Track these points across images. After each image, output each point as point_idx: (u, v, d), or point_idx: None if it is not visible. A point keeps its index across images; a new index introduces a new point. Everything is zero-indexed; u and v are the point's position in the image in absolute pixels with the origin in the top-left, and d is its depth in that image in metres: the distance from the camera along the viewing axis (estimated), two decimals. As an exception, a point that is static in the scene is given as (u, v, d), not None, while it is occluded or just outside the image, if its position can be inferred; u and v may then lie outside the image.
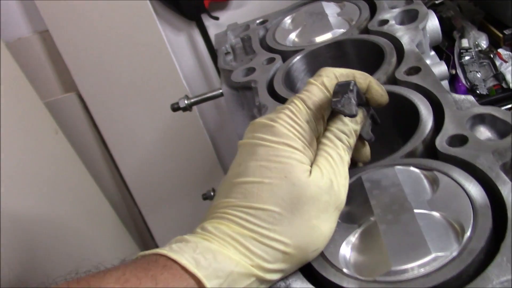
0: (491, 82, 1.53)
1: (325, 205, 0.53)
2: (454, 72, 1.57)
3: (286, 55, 0.90)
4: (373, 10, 0.94)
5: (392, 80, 0.75)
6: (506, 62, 1.53)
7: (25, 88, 1.62)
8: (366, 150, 0.65)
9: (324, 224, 0.54)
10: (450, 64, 1.57)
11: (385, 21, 0.86)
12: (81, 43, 1.78)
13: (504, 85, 1.49)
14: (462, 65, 1.60)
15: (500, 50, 1.55)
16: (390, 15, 0.87)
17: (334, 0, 1.01)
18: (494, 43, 1.57)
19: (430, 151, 0.62)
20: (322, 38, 0.91)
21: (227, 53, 1.00)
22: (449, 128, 0.61)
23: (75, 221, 1.63)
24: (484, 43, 1.60)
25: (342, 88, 0.55)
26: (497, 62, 1.54)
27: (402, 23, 0.87)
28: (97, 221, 1.78)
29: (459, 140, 0.59)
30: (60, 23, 1.74)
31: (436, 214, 0.53)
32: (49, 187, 1.55)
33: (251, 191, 0.53)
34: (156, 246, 2.15)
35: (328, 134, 0.57)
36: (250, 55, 1.01)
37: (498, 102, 1.50)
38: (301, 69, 0.88)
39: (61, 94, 1.89)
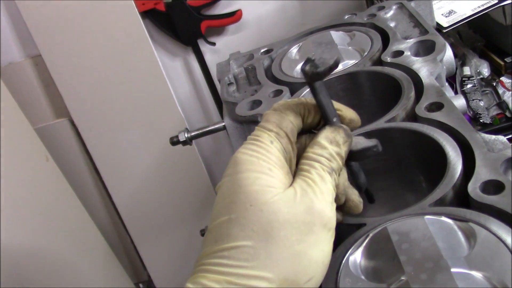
0: (494, 111, 1.50)
1: (307, 226, 0.48)
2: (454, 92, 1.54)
3: (294, 87, 0.85)
4: (385, 40, 0.89)
5: (412, 116, 0.71)
6: (509, 90, 1.51)
7: (15, 114, 1.58)
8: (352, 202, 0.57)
9: (312, 249, 0.48)
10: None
11: (400, 52, 0.81)
12: (74, 68, 1.74)
13: (508, 114, 1.47)
14: (464, 93, 1.57)
15: (502, 78, 1.53)
16: (405, 45, 0.82)
17: (343, 30, 0.96)
18: (496, 71, 1.55)
19: (460, 198, 0.57)
20: (333, 69, 0.86)
21: (229, 84, 0.95)
22: (482, 173, 0.56)
23: (65, 251, 1.59)
24: (485, 71, 1.58)
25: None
26: (500, 90, 1.52)
27: (417, 54, 0.82)
28: (87, 250, 1.73)
29: (494, 186, 0.54)
30: (53, 48, 1.71)
31: (476, 274, 0.47)
32: (39, 216, 1.52)
33: (220, 232, 0.49)
34: (148, 277, 2.10)
35: (304, 160, 0.53)
36: (254, 86, 0.96)
37: (502, 131, 1.46)
38: (311, 103, 0.83)
39: (53, 120, 1.86)
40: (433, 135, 0.64)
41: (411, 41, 0.83)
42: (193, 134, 0.93)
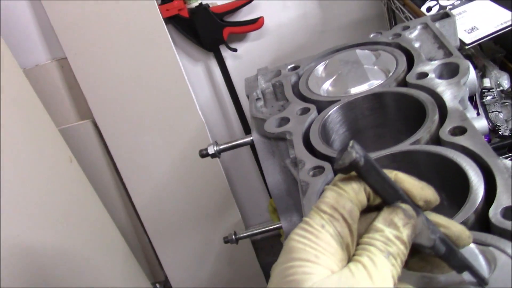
0: (513, 123, 1.51)
1: None
2: (476, 112, 1.55)
3: (321, 105, 0.88)
4: (409, 60, 0.91)
5: (435, 139, 0.73)
6: (529, 103, 1.52)
7: (40, 114, 1.61)
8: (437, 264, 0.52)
9: None
10: (472, 104, 1.55)
11: (425, 74, 0.83)
12: (98, 71, 1.78)
13: (527, 126, 1.48)
14: (484, 105, 1.58)
15: (522, 91, 1.54)
16: (429, 67, 0.85)
17: (369, 48, 0.99)
18: (516, 83, 1.56)
19: (481, 222, 0.60)
20: (359, 89, 0.89)
21: (257, 99, 0.98)
22: (503, 199, 0.59)
23: (85, 249, 1.61)
24: (506, 83, 1.59)
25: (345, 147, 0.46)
26: (520, 103, 1.53)
27: (441, 76, 0.84)
28: (107, 250, 1.76)
29: (514, 212, 0.57)
30: (78, 51, 1.75)
31: (497, 299, 0.50)
32: (61, 216, 1.54)
33: None
34: (165, 277, 2.13)
35: (359, 245, 0.48)
36: (281, 101, 0.99)
37: (521, 144, 1.47)
38: (336, 121, 0.86)
39: (76, 121, 1.89)
40: (456, 159, 0.66)
41: (436, 63, 0.85)
42: (222, 147, 0.96)
